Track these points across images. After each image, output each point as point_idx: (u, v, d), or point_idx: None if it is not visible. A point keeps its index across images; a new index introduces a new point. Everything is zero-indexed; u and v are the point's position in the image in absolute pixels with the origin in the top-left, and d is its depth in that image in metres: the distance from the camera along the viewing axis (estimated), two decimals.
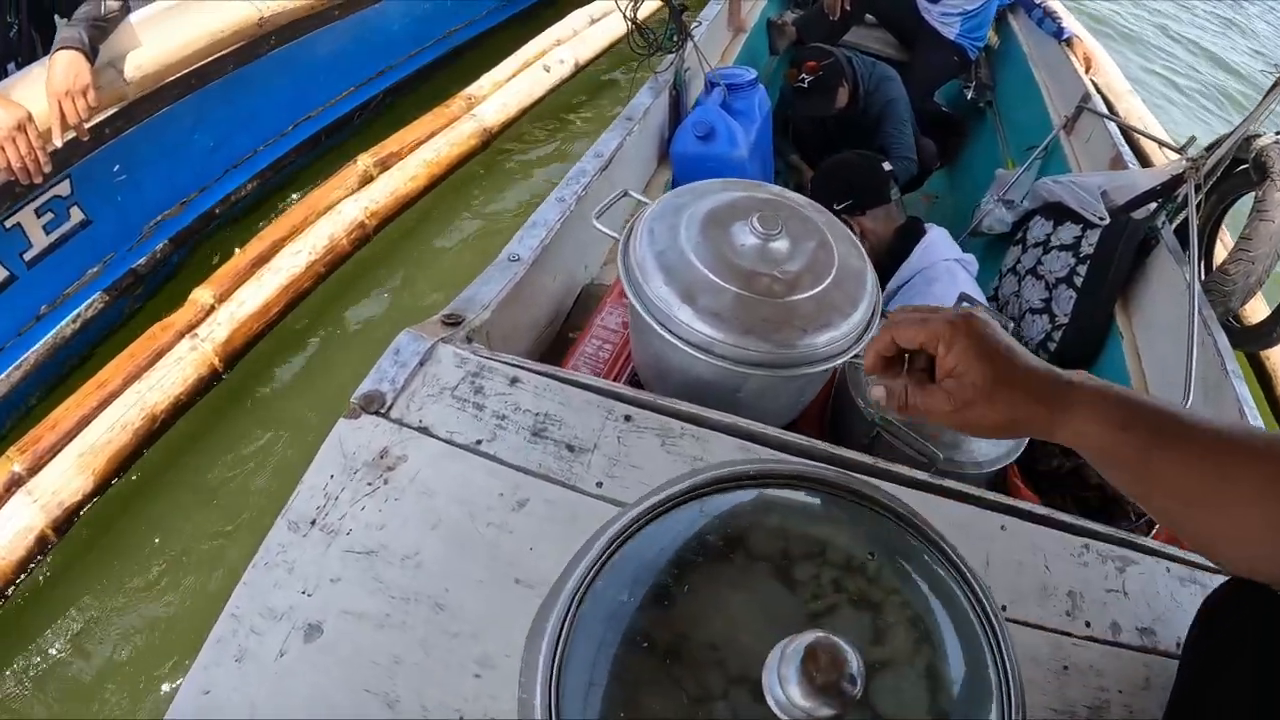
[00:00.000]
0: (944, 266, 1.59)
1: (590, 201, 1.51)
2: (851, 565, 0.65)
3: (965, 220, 2.66)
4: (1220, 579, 0.93)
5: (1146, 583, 0.93)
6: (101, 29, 1.90)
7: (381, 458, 0.90)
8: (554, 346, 1.43)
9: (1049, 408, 0.59)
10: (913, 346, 0.64)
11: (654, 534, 0.64)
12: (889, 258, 1.67)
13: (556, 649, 0.56)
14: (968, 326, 0.60)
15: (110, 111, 2.05)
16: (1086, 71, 2.60)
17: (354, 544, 0.83)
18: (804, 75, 2.43)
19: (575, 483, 0.88)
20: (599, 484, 0.88)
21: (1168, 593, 0.93)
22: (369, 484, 0.87)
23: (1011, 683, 0.60)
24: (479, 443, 0.91)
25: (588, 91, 3.72)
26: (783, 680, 0.50)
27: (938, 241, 1.65)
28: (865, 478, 0.66)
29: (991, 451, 1.16)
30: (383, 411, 0.93)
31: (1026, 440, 1.18)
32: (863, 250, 1.09)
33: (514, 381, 0.97)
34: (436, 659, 0.75)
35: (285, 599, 0.78)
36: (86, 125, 1.89)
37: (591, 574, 0.59)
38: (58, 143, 1.83)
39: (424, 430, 0.92)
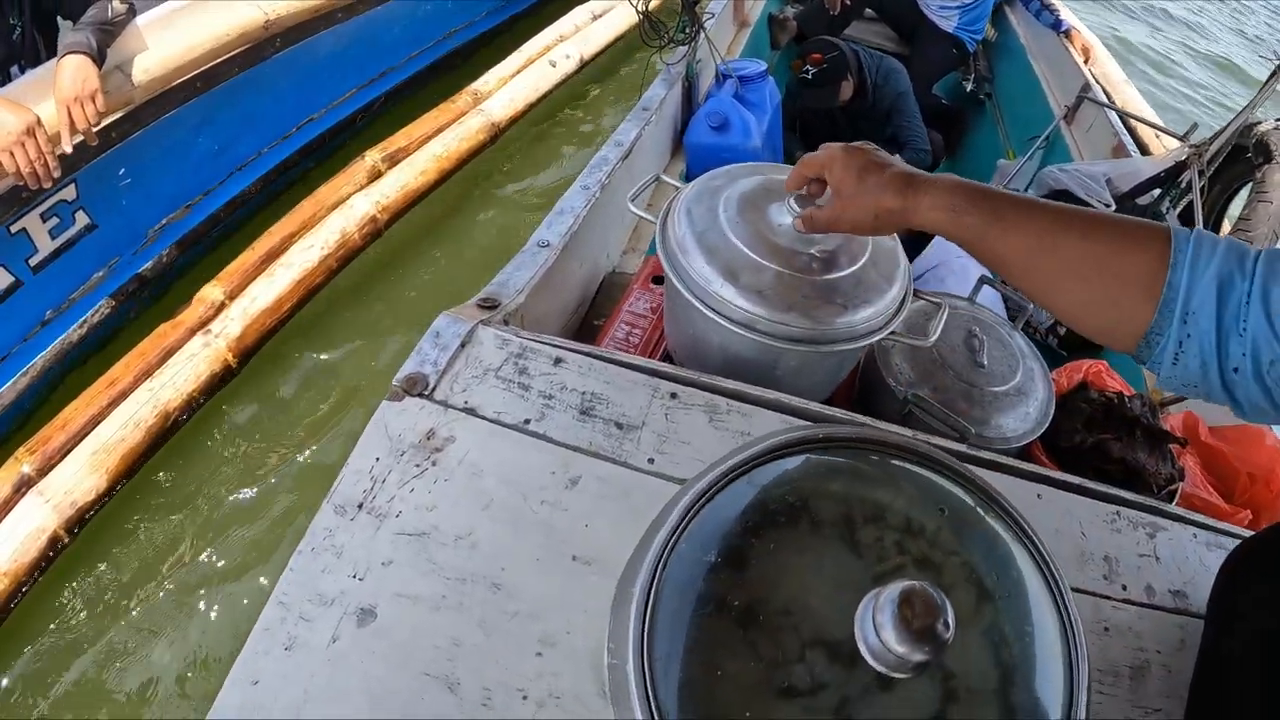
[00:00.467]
0: (958, 264, 1.60)
1: (612, 189, 1.52)
2: (912, 528, 0.66)
3: None
4: (1239, 540, 0.96)
5: (1176, 548, 0.95)
6: (109, 32, 1.88)
7: (429, 439, 0.89)
8: (580, 333, 1.44)
9: (902, 200, 0.70)
10: (813, 174, 0.81)
11: (722, 503, 0.65)
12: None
13: (645, 613, 0.56)
14: (844, 151, 0.76)
15: (117, 115, 2.03)
16: (1085, 63, 2.63)
17: (404, 526, 0.83)
18: (808, 66, 2.44)
19: (627, 459, 0.88)
20: (650, 460, 0.89)
21: (1196, 557, 0.96)
22: (416, 465, 0.87)
23: (1077, 639, 0.61)
24: (527, 422, 0.91)
25: (592, 86, 3.72)
26: (878, 627, 0.50)
27: None
28: (930, 444, 0.67)
29: (1019, 427, 1.18)
30: (426, 393, 0.93)
31: (1050, 417, 1.20)
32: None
33: (558, 362, 0.97)
34: (496, 639, 0.74)
35: (335, 584, 0.77)
36: (95, 130, 1.87)
37: (675, 536, 0.59)
38: (67, 149, 1.80)
39: (470, 411, 0.92)
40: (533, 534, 0.83)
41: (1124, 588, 0.90)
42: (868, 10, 3.28)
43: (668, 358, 1.23)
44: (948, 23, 3.04)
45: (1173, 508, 1.02)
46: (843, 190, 0.75)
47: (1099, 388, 1.37)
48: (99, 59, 1.82)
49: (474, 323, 1.01)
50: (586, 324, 1.46)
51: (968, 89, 3.19)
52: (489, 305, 1.08)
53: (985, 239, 0.66)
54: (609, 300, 1.49)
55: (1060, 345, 1.92)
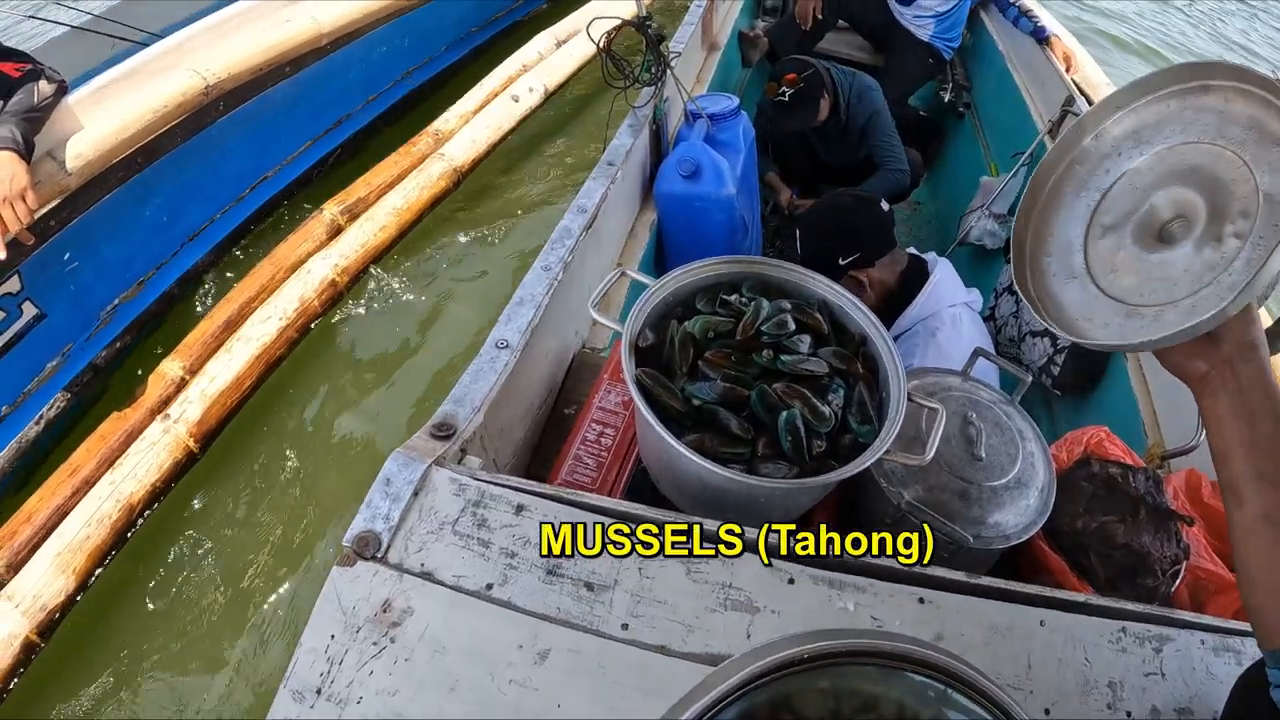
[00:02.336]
0: (949, 315, 1.51)
1: (578, 264, 1.43)
2: (905, 718, 0.61)
3: (949, 228, 2.61)
4: (1254, 654, 0.92)
5: (1183, 660, 0.91)
6: (35, 120, 1.80)
7: (385, 611, 0.83)
8: (549, 426, 1.35)
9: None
10: None
11: None
12: (892, 303, 1.58)
13: None
14: None
15: (54, 204, 1.93)
16: (1067, 71, 2.55)
17: (366, 714, 0.77)
18: (784, 88, 2.34)
19: (599, 626, 0.82)
20: (624, 625, 0.82)
21: (1203, 667, 0.93)
22: (374, 644, 0.81)
23: None
24: (489, 587, 0.84)
25: (559, 116, 3.58)
26: None
27: (944, 283, 1.56)
28: (945, 656, 0.60)
29: (1019, 521, 1.12)
30: (379, 556, 0.86)
31: (1050, 505, 1.14)
32: (886, 338, 1.03)
33: (519, 510, 0.90)
34: None
35: None
36: (29, 227, 1.77)
37: None
38: (0, 254, 1.71)
39: (427, 576, 0.85)
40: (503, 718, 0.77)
41: (1128, 714, 0.86)
42: (840, 21, 3.18)
43: (642, 463, 1.16)
44: (923, 31, 2.95)
45: (1180, 614, 0.98)
46: None
47: (1101, 457, 1.31)
48: (26, 152, 1.73)
49: (427, 463, 0.93)
50: (556, 414, 1.37)
51: (945, 99, 3.09)
52: (444, 434, 1.00)
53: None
54: (579, 384, 1.42)
55: (1054, 385, 1.85)
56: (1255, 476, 0.63)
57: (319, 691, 0.78)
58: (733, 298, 1.07)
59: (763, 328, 1.01)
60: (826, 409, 0.95)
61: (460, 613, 0.82)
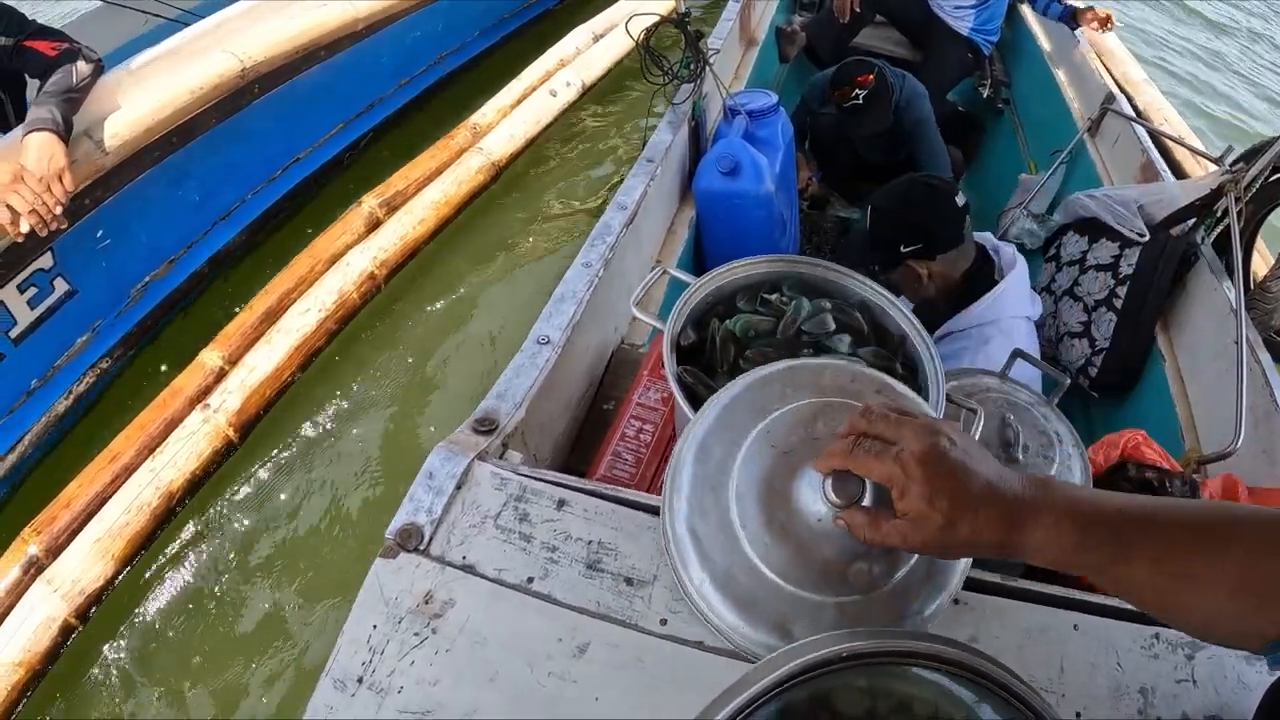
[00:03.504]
0: (1007, 324, 1.47)
1: (618, 262, 1.44)
2: (940, 718, 0.61)
3: (988, 226, 2.58)
4: None
5: (1215, 667, 0.90)
6: (73, 101, 1.83)
7: (426, 603, 0.84)
8: (589, 422, 1.37)
9: (1005, 531, 0.59)
10: (872, 480, 0.63)
11: None
12: (949, 299, 1.53)
13: None
14: (921, 468, 0.58)
15: (88, 183, 1.97)
16: (1106, 27, 2.50)
17: (407, 704, 0.78)
18: (857, 91, 2.27)
19: (637, 621, 0.83)
20: (663, 621, 0.83)
21: (1235, 675, 0.91)
22: (416, 634, 0.82)
23: None
24: (530, 580, 0.85)
25: (598, 110, 3.57)
26: None
27: (1012, 291, 1.50)
28: (979, 658, 0.60)
29: None
30: (422, 548, 0.88)
31: None
32: (926, 339, 1.02)
33: (561, 504, 0.91)
34: None
35: None
36: (65, 209, 1.80)
37: None
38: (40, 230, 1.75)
39: (469, 569, 0.86)
40: (541, 710, 0.78)
41: None
42: (877, 16, 3.14)
43: None
44: (962, 25, 2.90)
45: None
46: (920, 522, 0.59)
47: (1137, 460, 1.30)
48: (64, 132, 1.76)
49: (470, 458, 0.95)
50: (596, 409, 1.39)
51: (984, 95, 3.04)
52: (486, 428, 1.02)
53: (1107, 573, 0.58)
54: (619, 380, 1.42)
55: (1091, 387, 1.83)
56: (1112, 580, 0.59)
57: (360, 680, 0.80)
58: (773, 297, 1.07)
59: (803, 326, 1.01)
60: None
61: (501, 605, 0.84)
